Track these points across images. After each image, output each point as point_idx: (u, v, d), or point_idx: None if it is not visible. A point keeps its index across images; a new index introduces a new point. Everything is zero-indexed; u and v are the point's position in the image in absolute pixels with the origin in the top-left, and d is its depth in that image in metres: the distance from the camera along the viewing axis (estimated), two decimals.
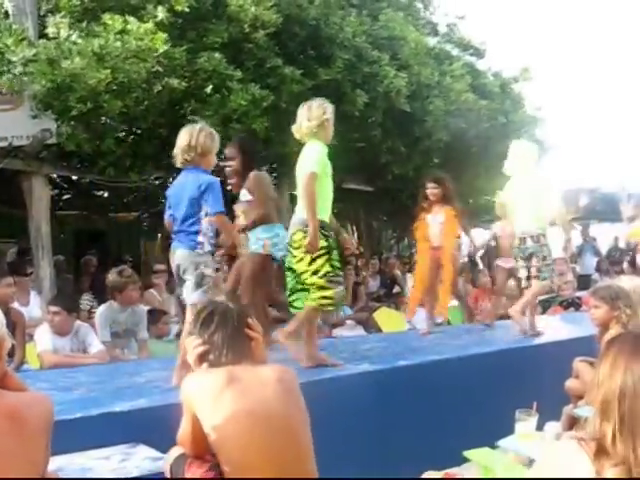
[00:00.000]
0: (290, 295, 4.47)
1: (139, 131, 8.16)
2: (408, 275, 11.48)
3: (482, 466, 3.33)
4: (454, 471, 3.78)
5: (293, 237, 4.28)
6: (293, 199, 11.93)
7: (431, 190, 6.31)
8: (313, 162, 4.18)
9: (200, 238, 3.96)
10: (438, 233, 6.33)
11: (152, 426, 3.14)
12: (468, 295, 10.33)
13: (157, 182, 10.11)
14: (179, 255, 4.02)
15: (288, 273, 4.46)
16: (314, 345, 4.47)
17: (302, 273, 4.28)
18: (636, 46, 50.39)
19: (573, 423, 4.19)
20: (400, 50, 8.40)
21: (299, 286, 4.39)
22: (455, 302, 9.61)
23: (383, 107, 8.24)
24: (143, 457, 2.90)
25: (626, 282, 5.80)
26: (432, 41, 10.50)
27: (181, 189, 4.05)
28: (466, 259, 15.56)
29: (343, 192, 12.43)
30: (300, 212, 4.27)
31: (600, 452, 1.89)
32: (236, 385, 2.36)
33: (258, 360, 2.57)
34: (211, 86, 7.15)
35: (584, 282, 11.06)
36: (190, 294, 3.92)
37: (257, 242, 4.97)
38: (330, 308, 4.54)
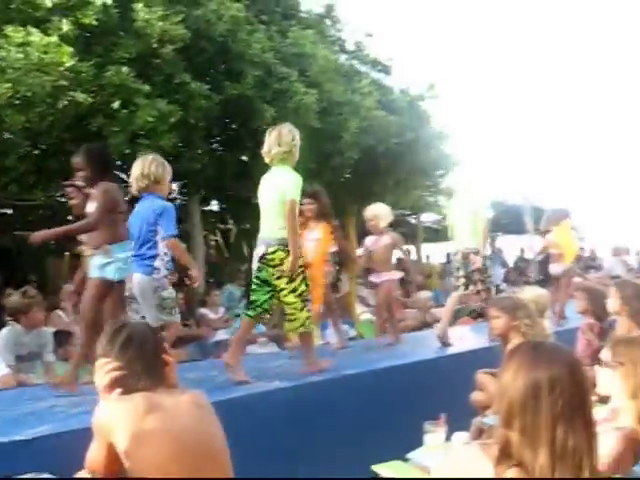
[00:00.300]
0: (251, 305, 4.75)
1: (44, 147, 7.90)
2: None
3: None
4: None
5: (272, 255, 4.56)
6: (205, 214, 11.90)
7: (307, 206, 5.99)
8: (294, 190, 4.56)
9: (156, 263, 4.20)
10: (313, 249, 6.02)
11: (57, 453, 3.04)
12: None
13: (63, 199, 9.84)
14: (136, 279, 4.25)
15: (259, 285, 4.68)
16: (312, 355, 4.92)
17: (281, 290, 4.61)
18: (539, 65, 52.30)
19: (482, 433, 4.28)
20: (309, 67, 8.45)
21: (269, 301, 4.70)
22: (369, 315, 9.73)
23: (293, 123, 8.26)
24: None
25: (529, 292, 6.03)
26: (341, 58, 10.61)
27: (138, 216, 4.32)
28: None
29: (251, 207, 12.43)
30: (275, 232, 4.59)
31: (502, 457, 1.95)
32: (157, 412, 2.28)
33: (171, 384, 2.52)
34: (118, 101, 7.01)
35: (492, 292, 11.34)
36: (154, 318, 4.18)
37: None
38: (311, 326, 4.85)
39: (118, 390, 2.37)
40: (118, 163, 10.06)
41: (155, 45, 7.22)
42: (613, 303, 5.29)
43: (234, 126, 8.99)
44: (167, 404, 2.34)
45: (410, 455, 3.60)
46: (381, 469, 3.45)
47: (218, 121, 8.44)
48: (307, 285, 4.71)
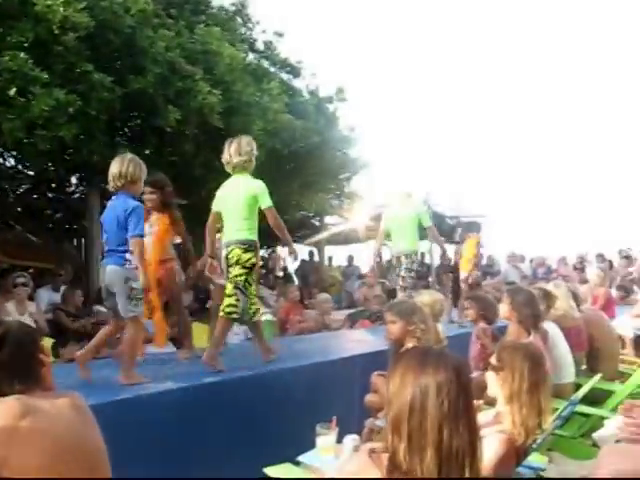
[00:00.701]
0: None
1: None
2: None
3: None
4: None
5: (231, 254, 5.02)
6: (104, 208, 11.57)
7: (148, 196, 5.49)
8: (267, 197, 5.04)
9: (128, 255, 4.39)
10: (149, 245, 5.30)
11: None
12: (280, 309, 10.49)
13: None
14: (109, 270, 4.42)
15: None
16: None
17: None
18: (449, 68, 53.61)
19: (373, 434, 4.34)
20: (215, 65, 8.36)
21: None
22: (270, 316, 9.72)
23: (196, 123, 8.16)
24: None
25: (425, 297, 6.16)
26: (249, 57, 10.55)
27: (112, 213, 4.49)
28: (281, 273, 15.88)
29: None
30: (234, 233, 5.06)
31: (392, 466, 1.99)
32: (33, 415, 2.18)
33: (47, 386, 2.43)
34: (15, 88, 6.75)
35: (392, 296, 11.54)
36: (124, 309, 4.38)
37: None
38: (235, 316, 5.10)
39: None
40: (13, 153, 9.76)
41: (56, 31, 6.97)
42: (503, 309, 5.49)
43: (138, 121, 8.81)
44: (43, 407, 2.26)
45: (301, 457, 3.62)
46: (272, 471, 3.45)
47: (121, 114, 8.25)
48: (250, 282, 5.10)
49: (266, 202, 5.02)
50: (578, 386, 5.58)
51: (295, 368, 5.53)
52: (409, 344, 4.67)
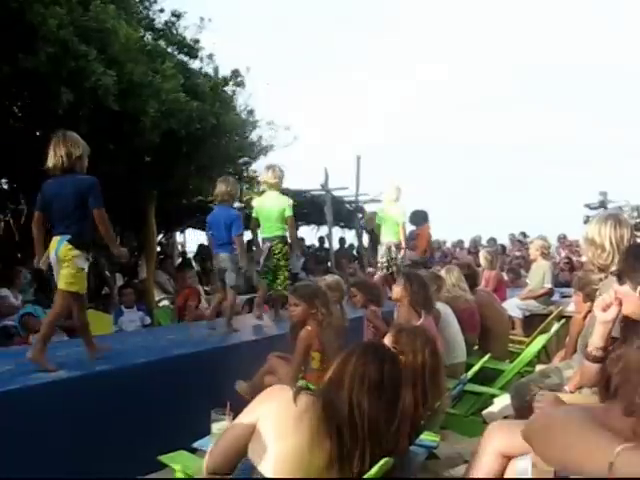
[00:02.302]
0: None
1: None
2: (118, 275, 11.19)
3: (178, 470, 3.33)
4: (153, 476, 3.76)
5: (275, 247, 7.66)
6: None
7: None
8: (291, 209, 7.64)
9: (234, 247, 6.75)
10: None
11: None
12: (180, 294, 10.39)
13: None
14: (222, 257, 6.79)
15: (269, 269, 7.76)
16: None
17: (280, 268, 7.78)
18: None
19: None
20: (110, 45, 8.09)
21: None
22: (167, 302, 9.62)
23: (90, 104, 7.89)
24: None
25: (328, 280, 6.27)
26: (146, 37, 10.27)
27: (219, 219, 6.81)
28: (180, 260, 15.67)
29: None
30: (275, 231, 7.68)
31: (301, 390, 2.27)
32: None
33: None
34: None
35: (292, 280, 11.64)
36: (231, 280, 6.76)
37: None
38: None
39: None
40: None
41: None
42: (396, 291, 5.63)
43: (29, 101, 8.44)
44: None
45: (196, 444, 3.62)
46: (168, 460, 3.43)
47: (10, 93, 7.90)
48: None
49: (288, 212, 7.62)
50: (470, 366, 5.80)
51: (192, 353, 5.51)
52: (309, 327, 4.75)
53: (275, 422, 2.19)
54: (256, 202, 8.02)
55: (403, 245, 10.19)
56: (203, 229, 17.63)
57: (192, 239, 18.39)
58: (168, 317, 9.91)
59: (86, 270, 4.88)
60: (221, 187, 6.90)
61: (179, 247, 18.00)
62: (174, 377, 5.04)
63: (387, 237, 10.19)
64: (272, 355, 5.24)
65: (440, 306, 6.19)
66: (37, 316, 7.79)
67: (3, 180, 12.42)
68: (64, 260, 4.71)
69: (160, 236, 15.09)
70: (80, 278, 4.79)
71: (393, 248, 10.09)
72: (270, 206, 7.67)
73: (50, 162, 4.88)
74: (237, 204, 16.59)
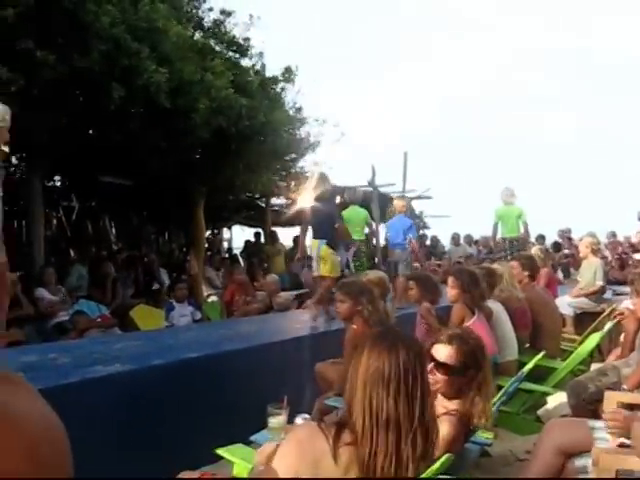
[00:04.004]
0: None
1: None
2: (162, 270, 11.32)
3: (235, 463, 3.37)
4: (208, 469, 3.79)
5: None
6: (47, 190, 11.32)
7: None
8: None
9: (406, 246, 8.53)
10: None
11: None
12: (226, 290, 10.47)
13: None
14: (397, 252, 8.97)
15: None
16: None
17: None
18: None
19: (325, 414, 4.37)
20: (161, 43, 8.19)
21: None
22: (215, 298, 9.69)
23: (142, 102, 8.00)
24: None
25: (372, 276, 6.24)
26: (196, 36, 10.37)
27: (397, 225, 9.06)
28: (226, 255, 15.81)
29: (100, 185, 11.99)
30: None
31: (339, 433, 2.06)
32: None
33: None
34: None
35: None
36: (402, 271, 8.77)
37: None
38: None
39: None
40: None
41: None
42: (450, 291, 5.57)
43: (81, 99, 8.59)
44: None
45: (253, 437, 3.64)
46: (225, 452, 3.46)
47: (64, 93, 8.04)
48: None
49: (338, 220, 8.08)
50: (521, 363, 5.72)
51: (245, 349, 5.54)
52: (357, 323, 4.73)
53: None
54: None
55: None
56: (250, 225, 17.82)
57: (239, 235, 18.52)
58: (217, 312, 9.99)
59: None
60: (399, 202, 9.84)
61: (225, 243, 18.16)
62: (231, 372, 5.07)
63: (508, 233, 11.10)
64: (318, 364, 5.22)
65: (492, 304, 6.11)
66: (89, 313, 7.95)
67: (56, 177, 12.69)
68: None
69: (207, 232, 15.24)
70: None
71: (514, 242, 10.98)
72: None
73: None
74: (284, 201, 16.88)
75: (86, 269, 9.90)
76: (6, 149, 4.20)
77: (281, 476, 2.07)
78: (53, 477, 2.04)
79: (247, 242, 16.33)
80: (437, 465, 2.17)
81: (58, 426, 2.22)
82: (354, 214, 9.41)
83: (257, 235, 16.19)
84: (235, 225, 17.81)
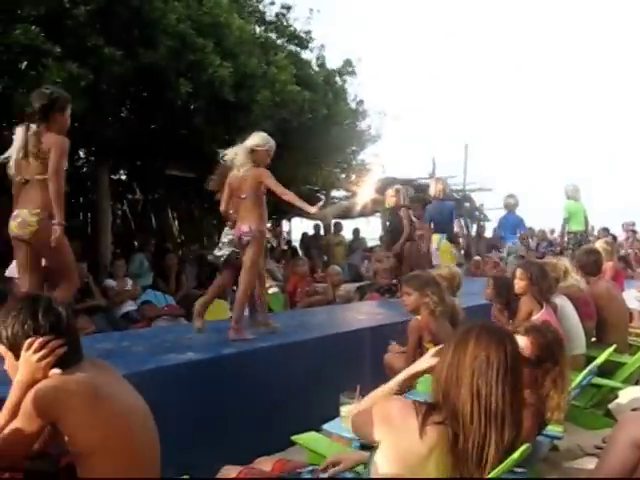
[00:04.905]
0: None
1: None
2: None
3: (309, 449, 3.43)
4: (282, 455, 3.86)
5: None
6: (113, 183, 11.56)
7: None
8: None
9: (515, 240, 8.47)
10: None
11: None
12: (288, 282, 10.54)
13: None
14: (511, 246, 9.59)
15: None
16: None
17: None
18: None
19: None
20: (225, 38, 8.30)
21: None
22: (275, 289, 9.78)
23: (207, 95, 8.11)
24: None
25: (444, 270, 6.23)
26: (258, 30, 10.46)
27: (511, 220, 10.20)
28: (285, 247, 15.91)
29: (165, 178, 12.19)
30: None
31: (429, 413, 2.12)
32: (106, 387, 2.24)
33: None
34: (26, 62, 6.71)
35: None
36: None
37: None
38: None
39: (57, 369, 2.24)
40: None
41: (67, 5, 6.92)
42: (519, 284, 5.51)
43: (146, 94, 8.77)
44: (107, 378, 2.34)
45: (326, 426, 3.71)
46: (299, 439, 3.54)
47: (130, 88, 8.22)
48: None
49: None
50: (588, 358, 5.63)
51: (312, 339, 5.58)
52: (423, 315, 4.74)
53: (398, 458, 2.09)
54: None
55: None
56: (308, 218, 17.87)
57: (298, 227, 18.59)
58: (280, 303, 10.05)
59: None
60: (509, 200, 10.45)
61: (285, 235, 18.24)
62: (303, 361, 5.12)
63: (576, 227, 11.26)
64: (387, 355, 5.23)
65: (556, 298, 6.02)
66: (156, 303, 8.13)
67: (121, 171, 12.94)
68: None
69: (268, 224, 15.33)
70: None
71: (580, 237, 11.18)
72: None
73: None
74: (344, 193, 16.87)
75: (147, 258, 10.07)
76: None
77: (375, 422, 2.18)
78: (143, 454, 2.11)
79: (304, 235, 16.40)
80: (517, 455, 2.17)
81: (143, 407, 2.31)
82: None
83: (317, 227, 16.25)
84: (294, 217, 17.87)
